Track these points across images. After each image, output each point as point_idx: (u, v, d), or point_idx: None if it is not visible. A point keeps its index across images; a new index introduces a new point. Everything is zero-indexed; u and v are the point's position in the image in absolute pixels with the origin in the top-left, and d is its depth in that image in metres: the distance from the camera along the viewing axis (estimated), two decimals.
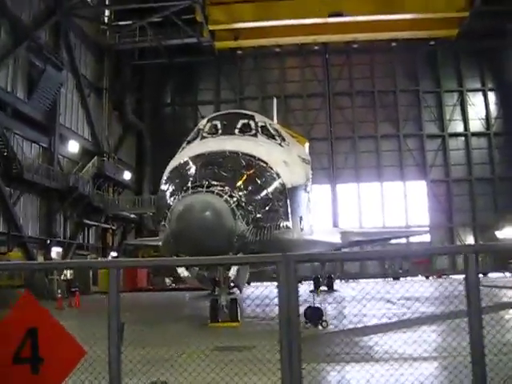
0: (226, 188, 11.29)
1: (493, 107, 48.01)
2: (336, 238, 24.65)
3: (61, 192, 32.89)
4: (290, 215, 13.97)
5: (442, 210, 46.54)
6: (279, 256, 3.84)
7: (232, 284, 12.57)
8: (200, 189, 11.12)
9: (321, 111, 48.40)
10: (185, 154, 13.97)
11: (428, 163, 47.14)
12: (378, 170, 47.23)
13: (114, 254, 39.87)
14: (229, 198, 11.11)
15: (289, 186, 13.88)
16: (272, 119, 36.92)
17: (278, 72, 49.51)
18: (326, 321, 12.22)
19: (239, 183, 11.73)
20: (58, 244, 33.44)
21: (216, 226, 10.67)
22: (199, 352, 7.95)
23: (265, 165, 12.94)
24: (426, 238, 44.06)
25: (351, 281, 42.03)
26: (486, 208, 46.01)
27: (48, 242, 32.02)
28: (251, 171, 12.43)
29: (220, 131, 14.88)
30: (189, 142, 15.67)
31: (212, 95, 49.83)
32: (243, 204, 11.35)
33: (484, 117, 47.92)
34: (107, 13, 41.68)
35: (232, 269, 11.69)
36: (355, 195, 47.41)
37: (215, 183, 11.36)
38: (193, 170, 12.32)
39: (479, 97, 48.35)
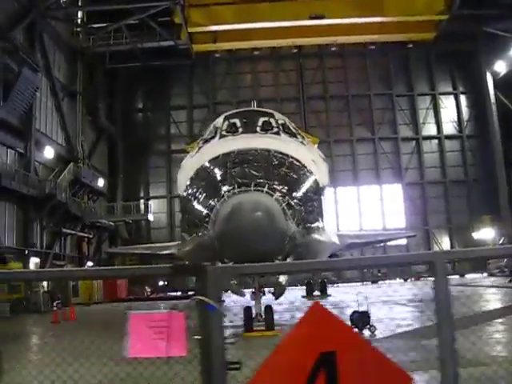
0: (274, 186, 10.62)
1: (465, 110, 48.68)
2: (338, 241, 24.23)
3: (38, 200, 31.45)
4: (323, 216, 13.45)
5: (417, 213, 46.80)
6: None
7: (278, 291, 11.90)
8: (247, 188, 10.38)
9: (295, 115, 47.85)
10: (209, 153, 13.07)
11: (403, 166, 47.38)
12: (354, 173, 47.22)
13: (90, 263, 38.49)
14: (279, 197, 10.43)
15: (321, 185, 13.37)
16: None
17: (252, 76, 49.05)
18: (373, 325, 11.70)
19: (282, 182, 11.05)
20: (35, 254, 31.99)
21: (270, 228, 9.88)
22: None
23: (299, 163, 12.28)
24: (403, 241, 44.19)
25: (330, 286, 41.76)
26: (461, 210, 46.47)
27: (26, 252, 30.54)
28: (289, 170, 11.70)
29: (241, 129, 14.15)
30: (206, 141, 14.87)
31: (185, 100, 48.90)
32: (292, 203, 10.70)
33: (456, 119, 48.53)
34: (80, 14, 40.32)
35: (282, 275, 11.00)
36: (332, 199, 47.08)
37: (260, 182, 10.67)
38: (228, 168, 11.54)
39: (451, 100, 48.97)
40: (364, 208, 46.70)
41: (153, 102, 49.00)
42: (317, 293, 27.69)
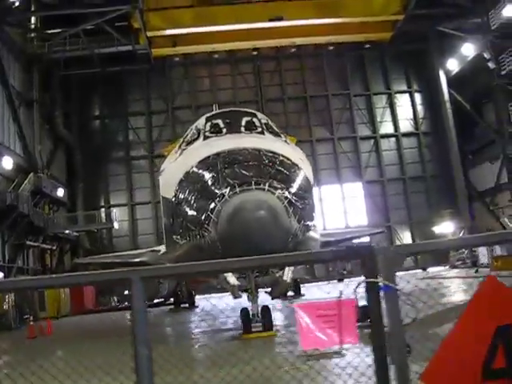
0: (274, 184, 10.52)
1: (420, 108, 49.71)
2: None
3: None
4: (315, 213, 13.50)
5: (378, 210, 47.44)
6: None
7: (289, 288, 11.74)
8: (248, 186, 10.24)
9: None
10: (197, 155, 12.86)
11: (363, 165, 47.97)
12: (315, 173, 47.23)
13: (53, 276, 37.38)
14: (280, 195, 10.35)
15: (311, 182, 13.42)
16: None
17: (209, 80, 48.78)
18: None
19: (278, 180, 10.96)
20: None
21: (275, 226, 9.84)
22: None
23: (289, 162, 12.29)
24: (366, 238, 44.62)
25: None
26: (420, 205, 47.43)
27: None
28: (282, 168, 11.68)
29: (225, 130, 14.06)
30: (189, 143, 14.68)
31: (142, 106, 48.15)
32: (292, 201, 10.63)
33: (412, 117, 49.51)
34: (34, 20, 39.20)
35: (287, 270, 10.89)
36: None
37: (260, 180, 10.54)
38: (222, 169, 11.35)
39: (407, 98, 49.92)
40: (326, 207, 46.97)
41: (110, 109, 48.06)
42: (290, 293, 27.63)
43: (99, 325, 22.59)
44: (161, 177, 16.18)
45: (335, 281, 43.46)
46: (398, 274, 2.62)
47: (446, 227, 44.16)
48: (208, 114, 15.41)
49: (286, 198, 10.40)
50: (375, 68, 49.34)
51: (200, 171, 11.95)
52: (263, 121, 14.74)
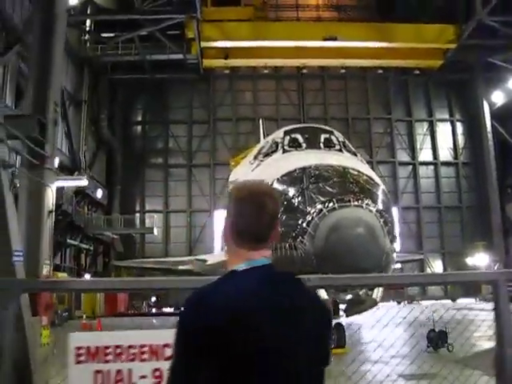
0: (369, 202, 10.51)
1: (460, 137, 49.52)
2: None
3: None
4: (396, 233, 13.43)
5: (412, 236, 47.12)
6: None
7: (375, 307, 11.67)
8: (347, 203, 10.24)
9: None
10: (280, 167, 12.91)
11: (400, 190, 47.76)
12: None
13: (87, 275, 37.68)
14: (377, 214, 10.33)
15: (391, 203, 13.37)
16: (259, 141, 36.34)
17: (252, 94, 49.05)
18: (451, 344, 11.65)
19: (371, 199, 10.94)
20: None
21: (373, 244, 9.80)
22: None
23: (373, 181, 12.24)
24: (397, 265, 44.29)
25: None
26: (454, 235, 47.08)
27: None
28: (370, 186, 11.66)
29: (304, 145, 14.13)
30: (266, 155, 14.78)
31: (184, 115, 48.53)
32: (386, 220, 10.61)
33: (452, 146, 49.30)
34: (89, 23, 39.92)
35: (376, 290, 10.85)
36: None
37: (357, 197, 10.54)
38: (310, 183, 11.38)
39: (448, 127, 49.78)
40: None
41: (152, 115, 48.53)
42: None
43: (142, 326, 22.60)
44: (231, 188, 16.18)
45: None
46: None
47: (479, 259, 43.65)
48: (286, 128, 15.45)
49: (382, 216, 10.39)
50: (418, 94, 49.32)
51: (287, 183, 11.97)
52: (340, 139, 14.73)
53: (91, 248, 39.33)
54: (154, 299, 41.02)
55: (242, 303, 1.73)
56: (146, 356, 2.85)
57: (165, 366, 2.86)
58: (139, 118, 49.07)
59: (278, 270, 1.90)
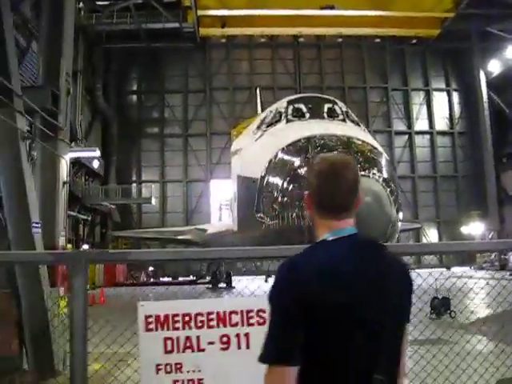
0: (375, 172, 10.58)
1: (456, 107, 49.50)
2: None
3: None
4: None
5: (408, 206, 47.33)
6: None
7: None
8: None
9: None
10: (284, 136, 12.93)
11: (396, 159, 47.85)
12: None
13: (85, 246, 37.85)
14: (384, 183, 10.41)
15: (395, 172, 13.45)
16: (256, 110, 36.23)
17: (249, 63, 48.61)
18: (454, 311, 11.88)
19: (377, 168, 11.01)
20: None
21: (380, 213, 9.87)
22: None
23: (377, 150, 12.28)
24: None
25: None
26: (450, 204, 47.41)
27: None
28: (375, 156, 11.71)
29: (308, 115, 14.11)
30: (270, 125, 14.77)
31: (180, 84, 48.15)
32: (392, 189, 10.70)
33: (448, 116, 49.31)
34: None
35: None
36: None
37: (364, 166, 10.60)
38: (316, 152, 11.43)
39: (444, 96, 49.70)
40: None
41: (147, 85, 48.06)
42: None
43: (145, 297, 22.73)
44: (237, 156, 16.26)
45: None
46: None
47: (474, 228, 44.01)
48: (289, 98, 15.37)
49: (389, 185, 10.46)
50: (415, 64, 49.11)
51: (292, 153, 12.00)
52: (344, 109, 14.66)
53: (89, 218, 39.31)
54: (151, 269, 41.27)
55: (332, 268, 1.87)
56: (213, 323, 3.01)
57: (231, 332, 3.05)
58: (134, 88, 48.67)
59: (364, 238, 2.01)
